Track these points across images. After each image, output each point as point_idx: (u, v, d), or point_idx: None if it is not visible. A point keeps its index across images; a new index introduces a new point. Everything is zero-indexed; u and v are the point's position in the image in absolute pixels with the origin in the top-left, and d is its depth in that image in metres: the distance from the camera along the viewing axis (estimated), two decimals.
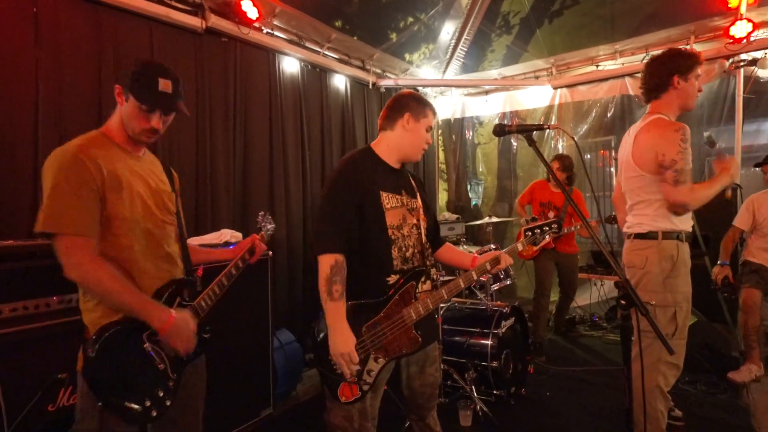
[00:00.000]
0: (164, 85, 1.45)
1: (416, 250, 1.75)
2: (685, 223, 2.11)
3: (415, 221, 1.76)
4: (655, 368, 2.03)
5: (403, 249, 1.70)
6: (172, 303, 1.51)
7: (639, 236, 2.14)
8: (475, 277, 1.79)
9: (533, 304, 4.19)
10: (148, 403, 1.39)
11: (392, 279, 1.67)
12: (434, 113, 1.80)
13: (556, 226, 1.96)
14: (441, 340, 3.08)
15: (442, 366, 3.04)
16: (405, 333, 1.65)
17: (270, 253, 2.98)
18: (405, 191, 1.77)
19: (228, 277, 1.72)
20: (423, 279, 1.73)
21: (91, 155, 1.36)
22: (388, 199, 1.69)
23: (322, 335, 1.61)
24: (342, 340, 1.53)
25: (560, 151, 5.27)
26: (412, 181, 1.86)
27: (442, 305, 3.19)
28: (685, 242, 2.10)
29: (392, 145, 1.75)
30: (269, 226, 2.02)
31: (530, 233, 1.96)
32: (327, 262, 1.57)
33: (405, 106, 1.73)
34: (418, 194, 1.84)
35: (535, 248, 4.05)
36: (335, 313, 1.55)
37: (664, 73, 2.08)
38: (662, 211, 2.07)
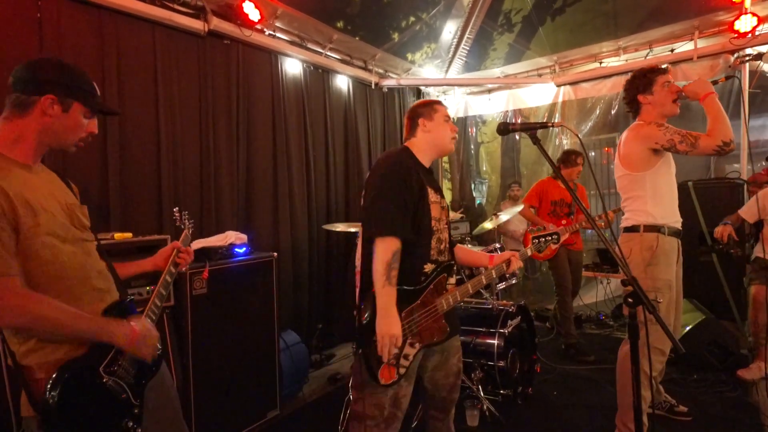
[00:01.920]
0: (97, 88, 1.40)
1: (447, 245, 1.85)
2: (668, 218, 2.31)
3: (445, 217, 1.85)
4: (642, 353, 2.08)
5: (440, 241, 1.79)
6: None
7: (626, 230, 2.40)
8: (494, 276, 1.92)
9: (559, 306, 4.10)
10: None
11: (428, 268, 1.74)
12: (443, 105, 1.90)
13: (557, 236, 2.20)
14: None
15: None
16: (436, 322, 1.73)
17: (275, 254, 2.99)
18: (435, 189, 1.86)
19: (165, 286, 1.60)
20: (451, 273, 1.83)
21: None
22: (431, 194, 1.77)
23: (367, 318, 1.64)
24: (393, 322, 1.59)
25: (566, 149, 5.25)
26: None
27: None
28: (668, 235, 2.30)
29: (422, 147, 1.85)
30: (188, 222, 1.85)
31: (537, 241, 2.14)
32: (389, 246, 1.61)
33: (417, 114, 1.87)
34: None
35: (554, 246, 3.98)
36: (389, 298, 1.60)
37: (631, 96, 2.40)
38: (644, 208, 2.31)
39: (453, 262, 1.86)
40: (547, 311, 4.95)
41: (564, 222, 4.06)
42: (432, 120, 1.84)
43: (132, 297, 1.51)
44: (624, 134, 2.40)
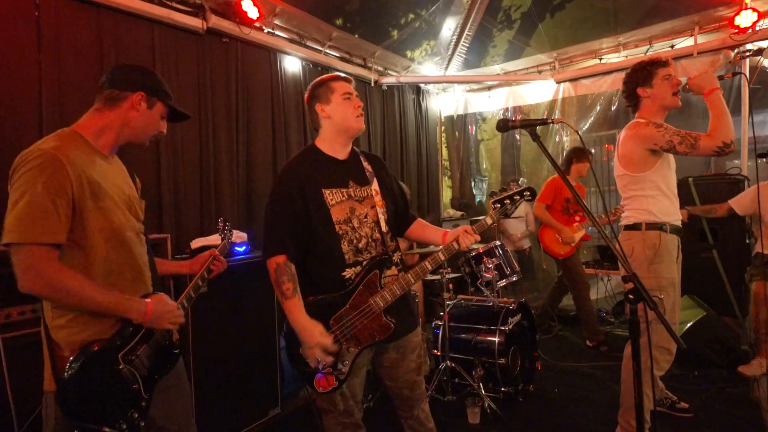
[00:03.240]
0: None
1: (371, 239, 1.73)
2: (669, 216, 2.29)
3: (367, 209, 1.74)
4: (647, 351, 2.09)
5: (354, 241, 1.70)
6: None
7: (627, 228, 2.37)
8: (442, 258, 1.76)
9: (580, 305, 4.04)
10: (124, 426, 1.34)
11: (348, 273, 1.68)
12: (341, 79, 1.75)
13: (528, 192, 1.81)
14: (449, 337, 3.07)
15: (449, 364, 3.03)
16: (375, 320, 1.68)
17: None
18: (354, 181, 1.76)
19: (195, 289, 1.66)
20: (387, 265, 1.74)
21: (70, 158, 1.28)
22: (332, 195, 1.69)
23: (289, 333, 1.65)
24: (308, 333, 1.57)
25: (565, 146, 5.24)
26: (367, 166, 1.82)
27: (448, 302, 3.18)
28: (669, 233, 2.27)
29: (327, 136, 1.76)
30: (231, 235, 1.96)
31: (499, 205, 1.82)
32: (270, 266, 1.63)
33: (312, 100, 1.75)
34: (374, 180, 1.80)
35: (573, 245, 3.95)
36: (293, 310, 1.60)
37: (630, 89, 2.34)
38: (646, 206, 2.28)
39: (386, 255, 1.74)
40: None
41: (578, 218, 4.01)
42: (329, 102, 1.71)
43: (161, 293, 1.55)
44: (622, 132, 2.36)
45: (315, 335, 1.57)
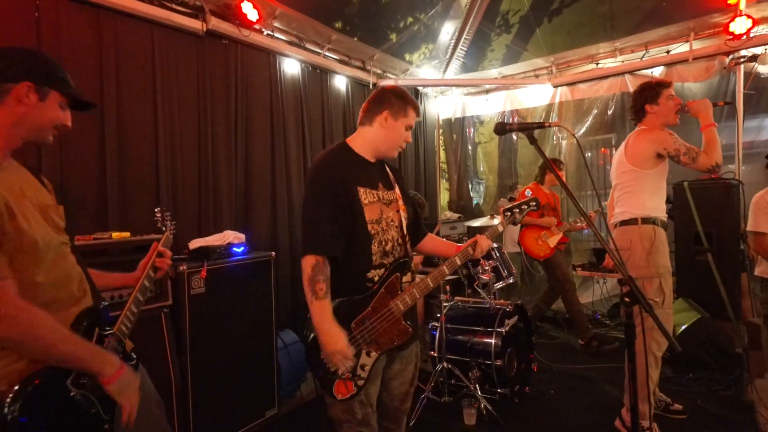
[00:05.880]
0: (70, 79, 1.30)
1: (396, 243, 1.74)
2: (659, 212, 2.55)
3: (392, 213, 1.75)
4: (649, 334, 2.34)
5: (383, 243, 1.69)
6: (92, 334, 1.28)
7: (623, 222, 2.58)
8: (458, 263, 1.83)
9: (569, 303, 4.12)
10: None
11: (372, 274, 1.66)
12: (417, 112, 1.76)
13: (534, 203, 2.01)
14: (445, 339, 3.08)
15: (445, 365, 3.04)
16: (395, 325, 1.66)
17: (273, 253, 2.99)
18: (382, 184, 1.76)
19: (142, 291, 1.49)
20: (406, 270, 1.74)
21: None
22: (365, 195, 1.67)
23: (312, 336, 1.58)
24: (332, 338, 1.51)
25: (562, 149, 5.29)
26: (390, 173, 1.85)
27: (445, 304, 3.20)
28: (660, 227, 2.52)
29: (368, 140, 1.74)
30: (170, 224, 1.73)
31: (509, 213, 1.99)
32: (308, 263, 1.55)
33: (385, 101, 1.71)
34: (396, 185, 1.82)
35: (552, 246, 4.12)
36: (321, 312, 1.53)
37: (639, 104, 2.62)
38: (641, 202, 2.52)
39: (407, 258, 1.76)
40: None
41: (554, 224, 4.19)
42: (396, 120, 1.71)
43: (106, 302, 1.41)
44: (634, 134, 2.60)
45: (339, 342, 1.51)
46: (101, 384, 1.21)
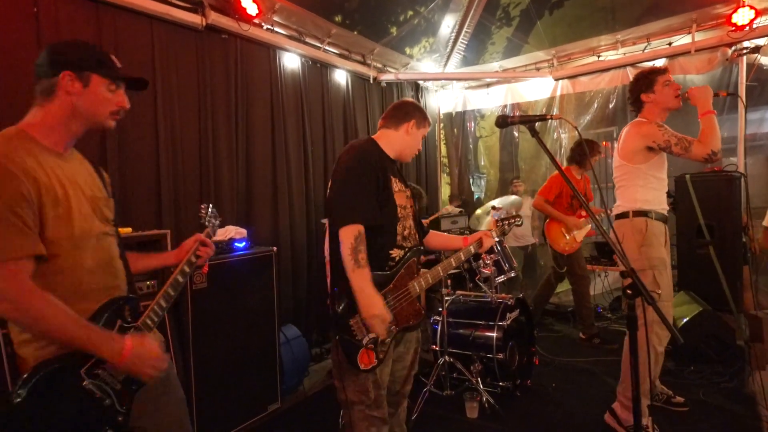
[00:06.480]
0: (116, 60, 1.34)
1: (412, 230, 1.90)
2: (655, 205, 2.52)
3: (409, 205, 1.91)
4: (650, 328, 2.33)
5: (405, 228, 1.84)
6: (113, 326, 1.30)
7: (617, 216, 2.60)
8: (463, 258, 2.02)
9: (579, 299, 4.09)
10: None
11: (395, 253, 1.78)
12: (430, 125, 2.01)
13: (520, 219, 2.31)
14: (447, 332, 3.09)
15: (447, 359, 3.05)
16: (411, 305, 1.79)
17: (274, 248, 3.00)
18: (400, 179, 1.92)
19: (174, 286, 1.47)
20: (420, 256, 1.89)
21: (22, 165, 1.15)
22: (395, 184, 1.83)
23: (342, 306, 1.66)
24: (375, 302, 1.61)
25: (563, 143, 5.26)
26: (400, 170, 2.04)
27: (447, 298, 3.20)
28: (655, 220, 2.50)
29: (393, 142, 1.90)
30: (215, 221, 1.75)
31: (501, 224, 2.26)
32: (351, 232, 1.64)
33: (413, 113, 1.92)
34: (406, 184, 2.00)
35: (579, 240, 3.99)
36: (363, 279, 1.62)
37: (635, 96, 2.59)
38: (633, 195, 2.52)
39: (421, 247, 1.92)
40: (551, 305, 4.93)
41: (583, 214, 4.02)
42: (419, 130, 1.92)
43: (135, 295, 1.43)
44: (626, 128, 2.58)
45: (380, 306, 1.62)
46: (114, 365, 1.23)
